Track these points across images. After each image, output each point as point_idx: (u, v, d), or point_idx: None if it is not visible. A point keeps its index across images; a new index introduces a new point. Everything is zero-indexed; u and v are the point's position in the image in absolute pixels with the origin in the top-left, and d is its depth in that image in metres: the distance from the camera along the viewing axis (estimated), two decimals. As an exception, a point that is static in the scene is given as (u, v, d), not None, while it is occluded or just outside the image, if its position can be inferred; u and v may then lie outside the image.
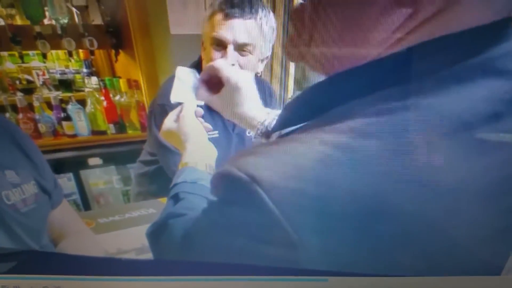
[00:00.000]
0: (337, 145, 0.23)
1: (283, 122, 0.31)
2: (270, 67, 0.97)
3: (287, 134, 0.29)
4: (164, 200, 0.76)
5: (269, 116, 0.41)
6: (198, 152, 0.44)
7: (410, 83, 0.24)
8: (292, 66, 1.04)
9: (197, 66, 0.76)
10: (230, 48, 0.63)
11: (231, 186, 0.25)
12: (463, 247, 0.26)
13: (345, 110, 0.25)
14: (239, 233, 0.26)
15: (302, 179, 0.23)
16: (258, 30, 0.65)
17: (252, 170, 0.24)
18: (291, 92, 1.05)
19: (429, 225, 0.24)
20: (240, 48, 0.64)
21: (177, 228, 0.33)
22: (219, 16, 0.63)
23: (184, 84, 0.47)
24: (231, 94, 0.41)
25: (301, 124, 0.28)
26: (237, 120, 0.43)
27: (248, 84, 0.41)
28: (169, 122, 0.47)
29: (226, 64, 0.41)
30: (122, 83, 1.05)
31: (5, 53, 1.07)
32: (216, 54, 0.65)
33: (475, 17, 0.23)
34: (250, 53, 0.66)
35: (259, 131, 0.41)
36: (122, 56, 1.09)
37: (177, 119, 0.46)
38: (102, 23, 1.06)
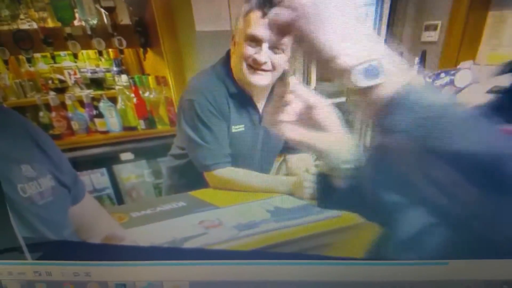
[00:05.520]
0: None
1: None
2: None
3: None
4: (195, 194, 0.78)
5: None
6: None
7: None
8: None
9: (226, 61, 0.78)
10: (265, 45, 0.66)
11: None
12: None
13: None
14: None
15: None
16: None
17: None
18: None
19: None
20: (275, 46, 0.67)
21: None
22: (256, 14, 0.65)
23: None
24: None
25: None
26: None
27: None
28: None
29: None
30: (151, 80, 1.09)
31: (38, 55, 1.11)
32: (250, 50, 0.67)
33: None
34: (283, 51, 0.68)
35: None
36: (150, 54, 1.13)
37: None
38: (130, 23, 1.09)
